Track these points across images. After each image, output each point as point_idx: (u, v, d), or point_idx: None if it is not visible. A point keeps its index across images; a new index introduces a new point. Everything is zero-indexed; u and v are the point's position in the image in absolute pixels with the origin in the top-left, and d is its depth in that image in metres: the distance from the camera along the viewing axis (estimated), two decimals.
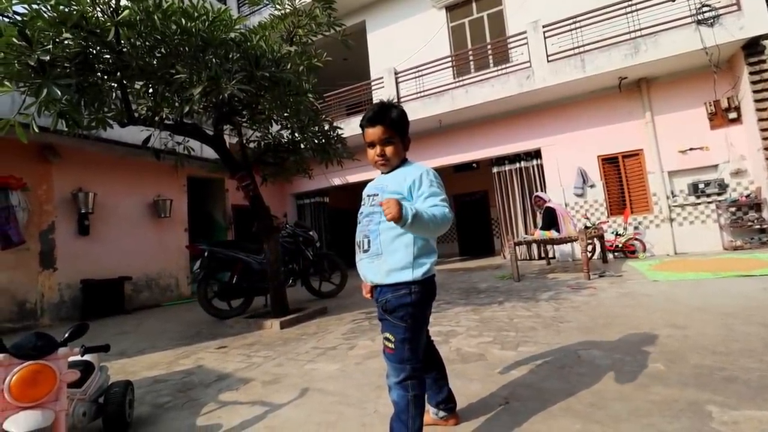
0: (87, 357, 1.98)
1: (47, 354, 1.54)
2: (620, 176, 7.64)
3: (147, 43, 3.31)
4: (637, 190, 7.50)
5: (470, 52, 9.19)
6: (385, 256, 1.40)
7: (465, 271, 7.94)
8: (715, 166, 6.85)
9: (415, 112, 8.37)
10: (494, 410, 1.76)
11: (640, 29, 6.86)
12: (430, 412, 1.66)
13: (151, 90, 3.78)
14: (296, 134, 4.84)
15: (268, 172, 5.34)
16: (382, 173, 1.55)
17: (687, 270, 5.03)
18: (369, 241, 1.44)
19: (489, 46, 9.02)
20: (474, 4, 9.38)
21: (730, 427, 1.44)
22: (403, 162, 1.53)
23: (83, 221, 6.65)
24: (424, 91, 8.78)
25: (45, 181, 6.35)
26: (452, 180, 12.38)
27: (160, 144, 4.38)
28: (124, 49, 3.17)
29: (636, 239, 7.12)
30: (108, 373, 2.14)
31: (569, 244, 7.29)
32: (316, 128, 4.70)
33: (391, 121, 1.46)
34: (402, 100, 8.89)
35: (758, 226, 6.39)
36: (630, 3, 6.97)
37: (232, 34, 3.65)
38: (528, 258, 8.53)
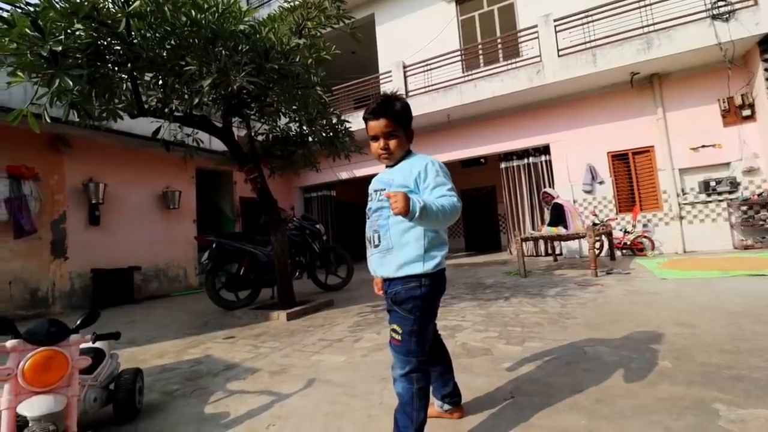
0: (98, 344, 2.01)
1: (60, 340, 1.57)
2: (630, 173, 7.55)
3: (157, 35, 3.32)
4: (646, 187, 7.42)
5: (480, 46, 9.10)
6: (396, 251, 1.41)
7: (471, 266, 7.93)
8: (728, 164, 6.75)
9: (423, 106, 8.33)
10: (500, 405, 1.77)
11: (654, 24, 6.74)
12: (435, 405, 1.67)
13: (161, 82, 3.80)
14: (304, 127, 4.84)
15: (276, 164, 5.36)
16: (387, 167, 1.55)
17: (696, 268, 4.98)
18: (379, 236, 1.44)
19: (499, 40, 8.92)
20: None
21: (737, 425, 1.44)
22: (408, 154, 1.52)
23: (94, 211, 6.74)
24: (432, 85, 8.72)
25: (56, 172, 6.43)
26: (460, 175, 12.33)
27: (170, 136, 4.41)
28: (135, 41, 3.18)
29: (645, 237, 7.06)
30: (118, 361, 2.18)
31: (577, 240, 7.24)
32: (324, 121, 4.70)
33: (394, 113, 1.45)
34: (410, 94, 8.84)
35: None
36: None
37: (242, 26, 3.65)
38: (535, 254, 8.49)
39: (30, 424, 1.41)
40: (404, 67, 9.08)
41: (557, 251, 7.74)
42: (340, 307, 4.64)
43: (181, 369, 2.76)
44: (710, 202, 6.85)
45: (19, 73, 2.83)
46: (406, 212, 1.18)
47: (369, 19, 10.29)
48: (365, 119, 1.50)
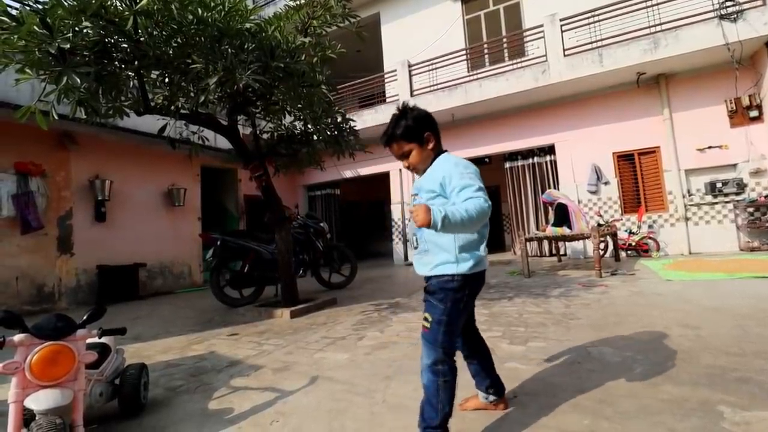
0: (104, 339, 2.03)
1: (66, 335, 1.58)
2: (635, 174, 7.50)
3: (164, 33, 3.34)
4: (652, 188, 7.37)
5: (485, 46, 9.08)
6: (431, 253, 1.48)
7: None
8: (734, 165, 6.69)
9: (428, 105, 8.29)
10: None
11: (661, 24, 6.69)
12: (480, 397, 1.73)
13: (167, 79, 3.82)
14: (309, 126, 4.85)
15: (281, 163, 5.37)
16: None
17: (701, 270, 4.95)
18: (416, 239, 1.53)
19: (504, 40, 8.89)
20: None
21: (742, 427, 1.43)
22: (438, 155, 1.55)
23: (100, 208, 6.79)
24: (437, 84, 8.71)
25: (63, 168, 6.48)
26: None
27: (175, 133, 4.43)
28: (142, 39, 3.20)
29: (650, 238, 7.02)
30: (124, 356, 2.20)
31: (581, 241, 7.22)
32: (329, 120, 4.71)
33: (400, 136, 1.51)
34: (415, 93, 8.84)
35: None
36: None
37: (248, 25, 3.66)
38: (539, 254, 8.47)
39: (37, 418, 1.42)
40: (409, 66, 9.07)
41: (561, 251, 7.70)
42: (343, 305, 4.65)
43: (186, 365, 2.78)
44: (716, 203, 6.80)
45: (27, 71, 2.86)
46: (428, 225, 1.22)
47: (374, 18, 10.29)
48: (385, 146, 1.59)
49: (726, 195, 6.70)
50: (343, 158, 4.97)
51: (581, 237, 5.79)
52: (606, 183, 7.60)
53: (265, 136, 5.27)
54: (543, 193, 7.24)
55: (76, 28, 2.96)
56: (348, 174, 10.43)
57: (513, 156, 8.86)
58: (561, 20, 7.33)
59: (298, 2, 4.41)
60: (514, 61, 8.36)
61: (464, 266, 1.43)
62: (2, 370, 1.41)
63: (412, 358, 2.46)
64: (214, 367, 2.67)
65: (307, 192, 11.80)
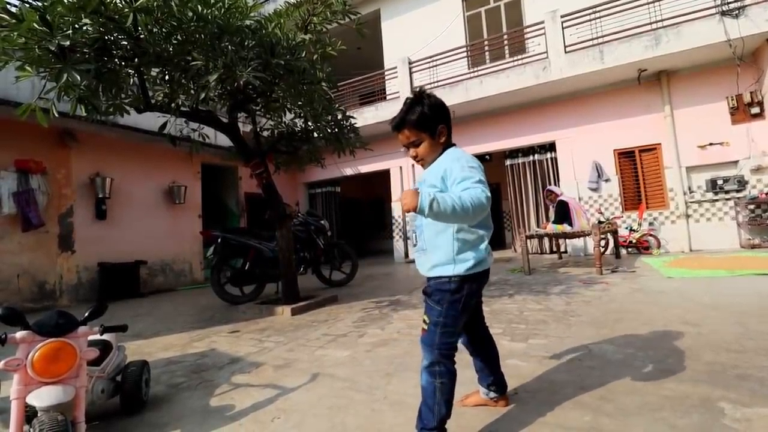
0: (105, 336, 2.04)
1: (68, 332, 1.58)
2: (636, 171, 7.49)
3: (164, 30, 3.33)
4: (653, 185, 7.36)
5: (486, 43, 9.04)
6: (429, 252, 1.46)
7: None
8: (735, 162, 6.68)
9: None
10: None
11: (662, 20, 6.66)
12: (480, 393, 1.74)
13: (167, 77, 3.81)
14: (309, 123, 4.85)
15: (281, 160, 5.37)
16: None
17: (702, 267, 4.95)
18: (416, 236, 1.53)
19: (505, 36, 8.86)
20: None
21: (743, 424, 1.43)
22: (444, 150, 1.50)
23: (101, 205, 6.80)
24: (438, 81, 8.68)
25: (64, 166, 6.49)
26: None
27: (176, 131, 4.43)
28: (142, 36, 3.19)
29: (650, 235, 7.02)
30: (125, 353, 2.20)
31: (582, 238, 7.22)
32: (330, 117, 4.70)
33: (411, 123, 1.45)
34: (415, 90, 8.80)
35: None
36: None
37: (248, 22, 3.65)
38: (539, 252, 8.47)
39: (39, 414, 1.43)
40: (410, 63, 9.05)
41: (562, 249, 7.70)
42: (344, 302, 4.65)
43: (187, 362, 2.78)
44: (717, 200, 6.79)
45: (27, 68, 2.85)
46: (414, 209, 1.17)
47: (374, 14, 10.25)
48: (394, 131, 1.53)
49: (727, 192, 6.69)
50: (343, 156, 4.97)
51: (582, 234, 5.79)
52: (607, 180, 7.59)
53: (265, 133, 5.26)
54: (544, 190, 7.23)
55: (76, 25, 2.95)
56: (348, 171, 10.42)
57: (514, 153, 8.85)
58: (562, 17, 7.30)
59: None
60: (515, 58, 8.33)
61: (462, 267, 1.40)
62: (4, 367, 1.42)
63: (412, 355, 2.46)
64: (215, 364, 2.67)
65: (307, 190, 11.80)
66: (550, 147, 8.32)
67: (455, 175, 1.33)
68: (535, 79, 7.38)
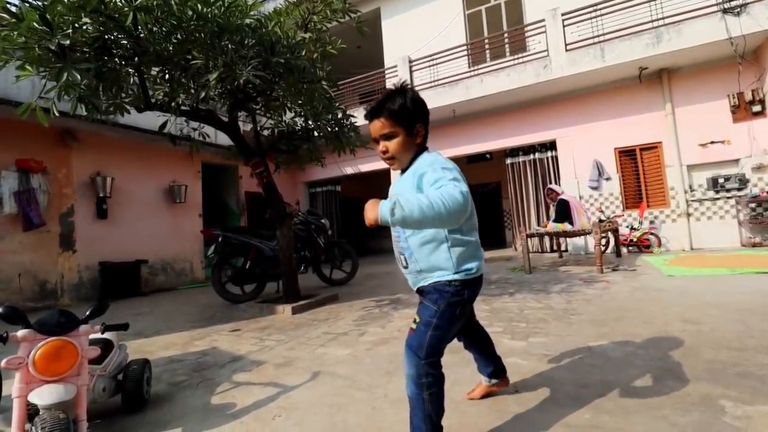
0: (107, 335, 2.04)
1: (69, 330, 1.59)
2: (637, 169, 7.48)
3: (163, 29, 3.33)
4: (654, 183, 7.35)
5: (486, 41, 9.03)
6: (425, 273, 1.35)
7: None
8: (737, 161, 6.67)
9: (429, 101, 8.08)
10: (503, 399, 1.78)
11: (663, 18, 6.64)
12: (483, 381, 1.78)
13: (167, 76, 3.81)
14: (310, 122, 4.85)
15: (282, 159, 5.37)
16: (400, 173, 1.43)
17: (703, 265, 4.94)
18: (405, 259, 1.38)
19: (506, 35, 8.84)
20: None
21: (743, 421, 1.43)
22: (419, 155, 1.38)
23: (101, 205, 6.80)
24: (438, 80, 8.67)
25: (64, 165, 6.49)
26: (465, 170, 11.89)
27: (176, 130, 4.43)
28: (142, 35, 3.19)
29: (651, 234, 7.01)
30: (126, 352, 2.21)
31: (582, 237, 7.21)
32: (330, 116, 4.70)
33: (390, 112, 1.30)
34: (416, 89, 8.77)
35: None
36: None
37: (248, 20, 3.65)
38: (540, 250, 8.46)
39: (41, 413, 1.43)
40: (410, 62, 9.04)
41: (562, 247, 7.70)
42: (344, 301, 4.66)
43: (188, 360, 2.79)
44: (718, 199, 6.78)
45: (28, 67, 2.86)
46: (376, 220, 1.06)
47: (375, 13, 10.23)
48: (366, 119, 1.40)
49: (728, 191, 6.68)
50: (343, 155, 4.97)
51: (583, 233, 5.79)
52: (607, 179, 7.58)
53: (265, 132, 5.26)
54: (545, 189, 7.23)
55: (76, 24, 2.95)
56: (349, 170, 10.42)
57: (514, 152, 8.84)
58: (563, 15, 7.28)
59: None
60: (516, 57, 8.32)
61: (462, 274, 1.32)
62: (6, 365, 1.42)
63: None
64: (217, 363, 2.68)
65: (307, 189, 11.80)
66: (551, 145, 8.31)
67: (429, 178, 1.21)
68: (536, 77, 7.37)
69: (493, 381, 1.75)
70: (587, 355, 2.23)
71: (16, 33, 2.63)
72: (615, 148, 7.56)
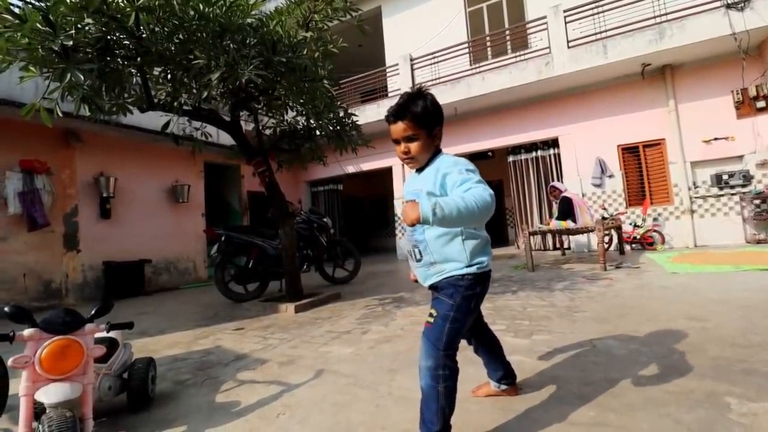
0: (112, 334, 2.05)
1: (75, 329, 1.60)
2: (640, 166, 7.45)
3: (165, 29, 3.34)
4: (657, 180, 7.32)
5: (488, 38, 9.00)
6: (439, 265, 1.40)
7: None
8: (741, 157, 6.63)
9: None
10: (508, 396, 1.77)
11: (666, 14, 6.61)
12: (491, 385, 1.76)
13: (169, 76, 3.82)
14: (312, 121, 4.85)
15: (284, 158, 5.38)
16: (416, 171, 1.50)
17: (707, 262, 4.92)
18: (420, 251, 1.43)
19: (507, 32, 8.81)
20: None
21: (749, 418, 1.43)
22: (435, 156, 1.44)
23: (105, 205, 6.84)
24: (439, 78, 8.66)
25: (68, 166, 6.52)
26: None
27: (179, 130, 4.44)
28: (144, 35, 3.20)
29: (655, 231, 6.98)
30: (131, 350, 2.22)
31: (585, 234, 7.19)
32: (332, 115, 4.70)
33: (413, 115, 1.37)
34: (417, 87, 8.78)
35: None
36: None
37: (249, 20, 3.65)
38: (543, 248, 8.45)
39: (47, 411, 1.44)
40: (411, 60, 9.02)
41: (565, 245, 7.68)
42: (347, 300, 4.66)
43: (192, 359, 2.80)
44: (722, 195, 6.75)
45: (31, 68, 2.87)
46: (418, 219, 1.12)
47: (376, 11, 10.22)
48: (387, 121, 1.44)
49: (732, 187, 6.65)
50: (345, 153, 4.97)
51: (586, 230, 5.77)
52: (610, 176, 7.55)
53: (267, 131, 5.27)
54: (547, 186, 7.21)
55: (79, 25, 2.96)
56: (350, 169, 10.42)
57: (516, 150, 8.82)
58: (564, 11, 7.25)
59: None
60: (518, 54, 8.29)
61: (474, 268, 1.38)
62: (13, 364, 1.43)
63: (416, 351, 2.45)
64: (221, 361, 2.69)
65: (309, 188, 11.81)
66: (553, 143, 8.29)
67: (454, 178, 1.29)
68: (538, 74, 7.35)
69: (503, 387, 1.74)
70: (591, 353, 2.22)
71: (19, 34, 2.64)
72: (618, 145, 7.53)
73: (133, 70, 3.60)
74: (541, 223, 8.11)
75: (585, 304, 3.40)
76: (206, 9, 3.31)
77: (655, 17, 6.70)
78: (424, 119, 1.38)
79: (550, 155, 8.37)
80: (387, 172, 10.20)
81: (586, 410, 1.59)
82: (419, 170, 1.47)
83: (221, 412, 1.88)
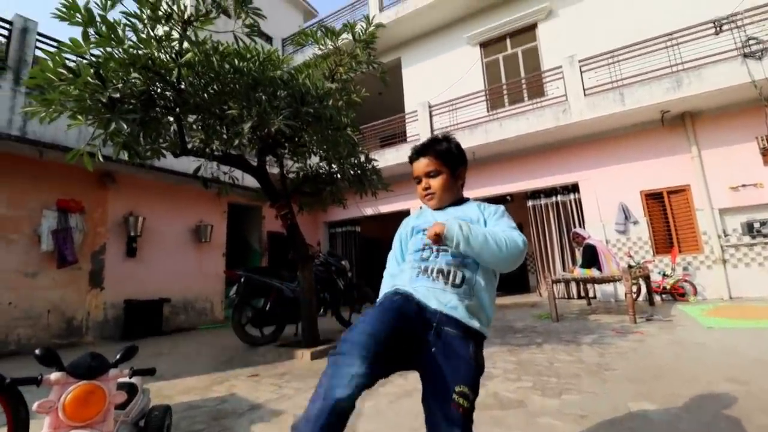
0: (132, 379, 2.04)
1: (100, 374, 1.59)
2: (665, 213, 7.28)
3: (202, 82, 3.58)
4: (684, 227, 7.11)
5: (504, 87, 9.29)
6: (476, 300, 1.21)
7: (499, 307, 7.67)
8: None
9: None
10: None
11: (682, 63, 6.73)
12: None
13: (203, 124, 4.05)
14: (334, 166, 4.99)
15: (305, 201, 5.49)
16: (433, 209, 1.42)
17: (745, 317, 4.64)
18: (463, 278, 1.21)
19: (523, 81, 9.08)
20: (508, 41, 9.55)
21: None
22: (463, 201, 1.43)
23: (131, 244, 7.03)
24: (458, 123, 8.88)
25: (100, 205, 6.81)
26: None
27: (207, 173, 4.63)
28: (183, 87, 3.44)
29: (685, 281, 6.69)
30: (149, 396, 2.19)
31: (611, 284, 6.94)
32: (353, 160, 4.83)
33: (437, 152, 1.37)
34: (436, 132, 9.02)
35: None
36: (671, 37, 6.89)
37: (279, 72, 3.89)
38: (566, 296, 8.16)
39: None
40: (430, 107, 9.33)
41: (590, 294, 7.41)
42: None
43: (207, 407, 2.74)
44: (755, 244, 6.47)
45: (79, 117, 3.09)
46: (441, 234, 1.10)
47: (395, 62, 10.76)
48: (410, 160, 1.43)
49: (765, 236, 6.39)
50: (365, 196, 5.05)
51: (612, 279, 5.58)
52: (635, 222, 7.38)
53: (290, 175, 5.43)
54: (569, 232, 7.08)
55: (125, 79, 3.22)
56: (369, 211, 10.53)
57: (536, 194, 8.79)
58: (580, 61, 7.47)
59: (326, 50, 4.68)
60: (534, 101, 8.49)
61: (488, 330, 1.23)
62: (38, 409, 1.43)
63: None
64: (235, 411, 2.62)
65: (328, 229, 11.93)
66: (573, 188, 8.24)
67: (492, 214, 1.29)
68: (555, 121, 7.46)
69: None
70: (627, 418, 2.07)
71: (72, 87, 2.87)
72: (641, 191, 7.42)
73: (170, 119, 3.84)
74: (564, 270, 7.90)
75: (616, 361, 3.22)
76: (241, 64, 3.56)
77: (671, 66, 6.82)
78: (447, 157, 1.38)
79: (570, 200, 8.29)
80: (405, 215, 10.19)
81: None
82: (439, 210, 1.41)
83: None
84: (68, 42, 2.77)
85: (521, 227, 9.95)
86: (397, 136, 10.48)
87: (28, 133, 5.43)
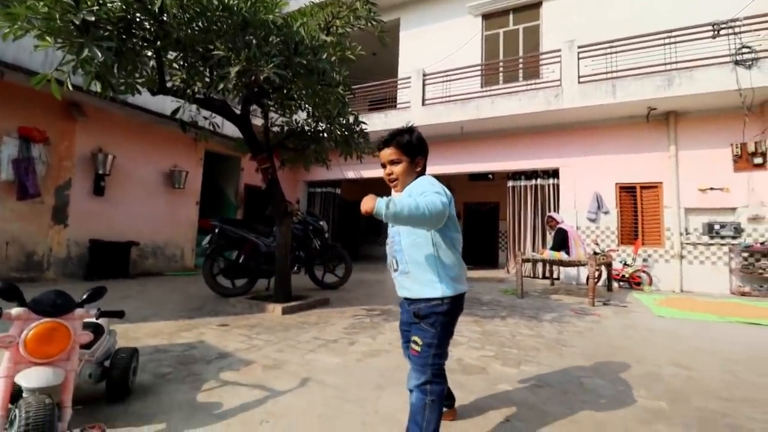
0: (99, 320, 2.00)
1: (65, 313, 1.55)
2: (636, 206, 7.56)
3: (187, 15, 3.32)
4: (651, 222, 7.43)
5: (501, 64, 9.13)
6: (412, 274, 1.52)
7: (468, 280, 7.88)
8: (733, 209, 6.76)
9: (439, 115, 8.36)
10: (494, 427, 1.76)
11: (676, 62, 6.78)
12: None
13: (185, 62, 3.80)
14: (321, 124, 4.84)
15: (288, 157, 5.36)
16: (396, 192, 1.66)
17: (692, 309, 4.98)
18: (396, 261, 1.57)
19: (521, 60, 8.95)
20: (511, 16, 9.30)
21: None
22: (418, 177, 1.64)
23: (99, 182, 6.72)
24: (450, 96, 8.73)
25: (67, 138, 6.41)
26: (465, 188, 12.33)
27: (187, 116, 4.40)
28: (165, 19, 3.18)
29: (643, 271, 7.06)
30: (115, 338, 2.16)
31: (576, 267, 7.24)
32: (342, 120, 4.70)
33: (398, 143, 1.59)
34: (427, 102, 8.86)
35: None
36: (669, 35, 6.89)
37: (271, 17, 3.65)
38: (532, 275, 8.48)
39: (25, 395, 1.39)
40: (424, 75, 9.09)
41: (555, 275, 7.73)
42: (335, 306, 4.62)
43: (174, 352, 2.74)
44: (712, 244, 6.86)
45: (47, 38, 2.83)
46: (372, 209, 1.26)
47: (394, 23, 10.30)
48: (377, 149, 1.66)
49: (723, 237, 6.77)
50: (349, 159, 4.96)
51: (578, 264, 5.81)
52: (606, 212, 7.64)
53: (274, 128, 5.25)
54: (544, 215, 7.26)
55: (101, 1, 2.94)
56: (351, 175, 10.41)
57: (516, 175, 8.90)
58: (579, 47, 7.40)
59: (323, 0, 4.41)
60: (528, 82, 8.41)
61: (450, 288, 1.48)
62: None
63: (403, 369, 2.41)
64: (204, 357, 2.63)
65: (307, 188, 11.76)
66: (554, 173, 8.38)
67: (417, 190, 1.49)
68: (547, 105, 7.45)
69: (443, 410, 1.71)
70: (579, 390, 2.22)
71: (41, 3, 2.60)
72: (616, 183, 7.64)
73: (149, 53, 3.57)
74: (534, 251, 8.17)
75: (573, 338, 3.41)
76: (231, 1, 3.31)
77: (665, 64, 6.86)
78: (407, 148, 1.60)
79: (549, 185, 8.45)
80: (385, 182, 10.20)
81: None
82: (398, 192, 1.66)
83: (202, 413, 1.84)
84: None
85: (498, 206, 10.14)
86: (387, 101, 10.23)
87: None
